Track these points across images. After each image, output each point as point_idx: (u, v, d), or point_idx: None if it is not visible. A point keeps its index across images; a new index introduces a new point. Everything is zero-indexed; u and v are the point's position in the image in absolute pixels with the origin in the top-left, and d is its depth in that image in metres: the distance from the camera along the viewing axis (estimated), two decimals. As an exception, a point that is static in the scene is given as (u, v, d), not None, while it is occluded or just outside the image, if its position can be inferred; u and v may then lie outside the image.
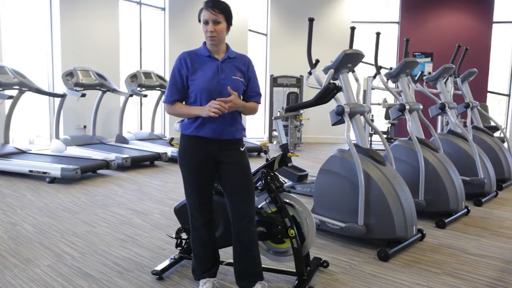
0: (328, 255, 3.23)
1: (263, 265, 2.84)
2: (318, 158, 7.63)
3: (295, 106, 3.87)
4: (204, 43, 2.45)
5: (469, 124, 5.59)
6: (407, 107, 4.36)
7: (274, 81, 9.71)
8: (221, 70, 2.38)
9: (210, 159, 2.44)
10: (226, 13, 2.35)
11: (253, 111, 2.53)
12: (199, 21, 2.38)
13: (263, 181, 2.71)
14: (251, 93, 2.50)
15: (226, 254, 3.16)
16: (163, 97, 3.95)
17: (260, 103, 2.56)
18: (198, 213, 2.52)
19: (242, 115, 2.53)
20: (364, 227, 3.28)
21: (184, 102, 2.46)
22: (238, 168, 2.45)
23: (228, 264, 2.89)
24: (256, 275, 2.50)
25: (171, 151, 6.86)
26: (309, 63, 3.61)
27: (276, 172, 2.82)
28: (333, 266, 3.04)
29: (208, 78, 2.36)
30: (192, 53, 2.44)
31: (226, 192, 2.48)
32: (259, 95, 2.54)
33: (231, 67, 2.42)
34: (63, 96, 6.58)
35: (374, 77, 4.94)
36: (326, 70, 3.54)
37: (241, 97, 2.48)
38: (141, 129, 8.69)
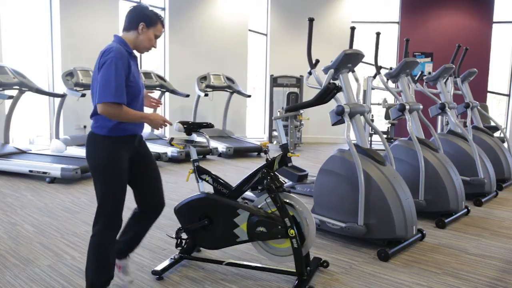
0: (328, 255, 3.23)
1: (263, 265, 2.87)
2: (318, 158, 7.63)
3: (295, 106, 3.87)
4: (121, 40, 2.29)
5: (469, 124, 5.58)
6: (407, 107, 4.35)
7: (274, 81, 9.71)
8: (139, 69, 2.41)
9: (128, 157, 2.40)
10: None
11: None
12: (149, 25, 2.30)
13: (263, 181, 2.71)
14: None
15: (226, 254, 3.17)
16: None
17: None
18: (119, 216, 2.34)
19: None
20: (364, 227, 3.28)
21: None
22: (153, 159, 2.56)
23: (228, 264, 2.90)
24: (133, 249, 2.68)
25: (171, 151, 6.86)
26: (309, 63, 3.61)
27: (276, 172, 2.82)
28: (333, 266, 3.04)
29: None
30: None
31: (143, 183, 2.48)
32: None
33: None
34: (63, 96, 6.58)
35: (374, 77, 4.94)
36: (326, 70, 3.54)
37: None
38: (141, 129, 8.67)
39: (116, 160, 2.29)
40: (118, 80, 2.17)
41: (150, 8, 2.36)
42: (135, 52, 2.37)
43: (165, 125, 2.36)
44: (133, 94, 2.29)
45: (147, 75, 7.68)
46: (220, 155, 7.69)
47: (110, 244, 2.35)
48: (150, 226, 2.65)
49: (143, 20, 2.30)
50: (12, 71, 5.99)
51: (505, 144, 6.12)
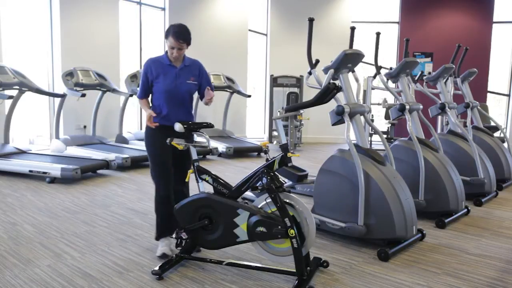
0: (328, 255, 3.23)
1: (263, 265, 2.88)
2: (318, 158, 7.63)
3: (295, 106, 3.88)
4: (166, 52, 3.12)
5: (469, 124, 5.58)
6: (407, 107, 4.35)
7: (274, 81, 9.71)
8: (178, 76, 3.10)
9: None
10: (188, 41, 3.08)
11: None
12: (166, 39, 3.06)
13: (263, 181, 2.71)
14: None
15: (226, 254, 3.18)
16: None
17: None
18: (160, 185, 3.12)
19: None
20: (364, 227, 3.28)
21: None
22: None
23: (228, 264, 2.90)
24: None
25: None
26: (309, 63, 3.60)
27: (276, 172, 2.82)
28: (333, 266, 3.04)
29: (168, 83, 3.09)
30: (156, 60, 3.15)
31: (174, 168, 3.13)
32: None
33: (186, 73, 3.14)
34: (63, 96, 6.58)
35: (374, 77, 4.93)
36: (326, 70, 3.53)
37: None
38: (141, 129, 8.69)
39: (153, 142, 3.13)
40: (142, 83, 3.15)
41: (176, 25, 3.07)
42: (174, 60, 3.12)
43: (150, 123, 3.02)
44: (157, 91, 3.10)
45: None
46: (220, 155, 7.69)
47: (158, 207, 3.16)
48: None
49: (164, 36, 3.11)
50: (12, 71, 5.99)
51: (505, 144, 6.12)
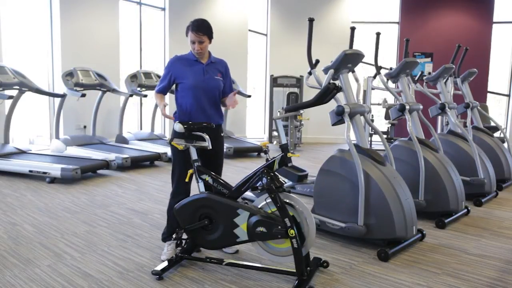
0: (328, 255, 3.23)
1: (263, 265, 2.89)
2: (318, 158, 7.63)
3: (295, 106, 3.88)
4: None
5: (469, 124, 5.58)
6: (407, 107, 4.35)
7: (274, 81, 9.71)
8: (206, 72, 3.08)
9: None
10: (208, 34, 3.05)
11: None
12: (186, 35, 3.02)
13: (263, 181, 2.71)
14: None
15: (226, 254, 3.17)
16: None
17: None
18: (178, 188, 3.13)
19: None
20: (364, 227, 3.28)
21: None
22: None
23: (228, 264, 2.90)
24: None
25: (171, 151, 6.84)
26: (309, 63, 3.60)
27: (276, 172, 2.82)
28: (333, 266, 3.05)
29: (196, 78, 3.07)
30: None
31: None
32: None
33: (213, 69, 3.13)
34: (63, 96, 6.58)
35: (374, 77, 4.94)
36: (326, 70, 3.53)
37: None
38: (141, 129, 8.69)
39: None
40: (163, 77, 3.13)
41: (195, 19, 3.05)
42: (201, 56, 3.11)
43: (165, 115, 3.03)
44: (185, 88, 3.06)
45: (147, 75, 7.68)
46: (220, 155, 7.67)
47: (171, 209, 3.07)
48: None
49: (185, 33, 3.06)
50: (12, 71, 5.99)
51: (505, 144, 6.12)
